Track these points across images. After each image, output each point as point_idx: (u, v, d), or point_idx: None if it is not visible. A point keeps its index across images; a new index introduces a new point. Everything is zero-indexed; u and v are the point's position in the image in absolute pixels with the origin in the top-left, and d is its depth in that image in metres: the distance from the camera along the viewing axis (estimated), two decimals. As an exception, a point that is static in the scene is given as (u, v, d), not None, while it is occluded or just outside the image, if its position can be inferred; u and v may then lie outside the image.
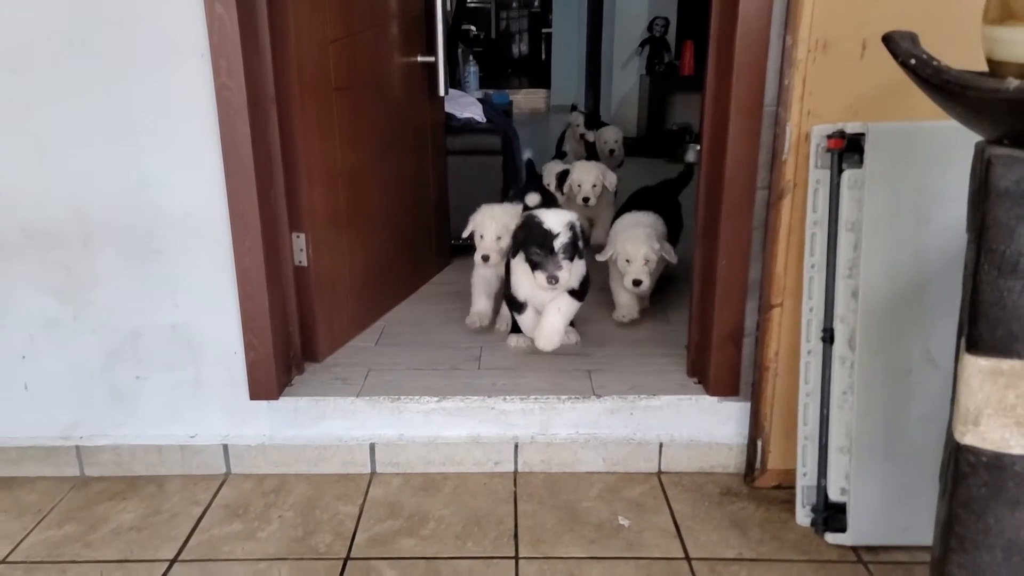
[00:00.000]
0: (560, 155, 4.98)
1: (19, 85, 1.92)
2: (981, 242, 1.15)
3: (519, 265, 2.31)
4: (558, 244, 2.17)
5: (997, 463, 1.18)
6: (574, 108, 5.65)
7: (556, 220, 2.20)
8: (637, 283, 2.59)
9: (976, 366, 1.18)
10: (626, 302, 2.72)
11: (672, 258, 2.68)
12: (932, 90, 1.20)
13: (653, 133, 6.71)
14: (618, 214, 2.97)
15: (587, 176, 3.50)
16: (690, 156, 5.55)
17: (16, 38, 1.89)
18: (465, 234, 2.67)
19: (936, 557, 1.29)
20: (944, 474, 1.27)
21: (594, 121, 5.43)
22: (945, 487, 1.26)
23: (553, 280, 2.18)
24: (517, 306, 2.39)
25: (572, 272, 2.24)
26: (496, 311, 2.71)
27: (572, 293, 2.31)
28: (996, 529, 1.20)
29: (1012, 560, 1.20)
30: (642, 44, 7.05)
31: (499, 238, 2.59)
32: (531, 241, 2.21)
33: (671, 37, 7.06)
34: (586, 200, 3.48)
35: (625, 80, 7.34)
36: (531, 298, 2.35)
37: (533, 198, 2.62)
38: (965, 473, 1.21)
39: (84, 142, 1.96)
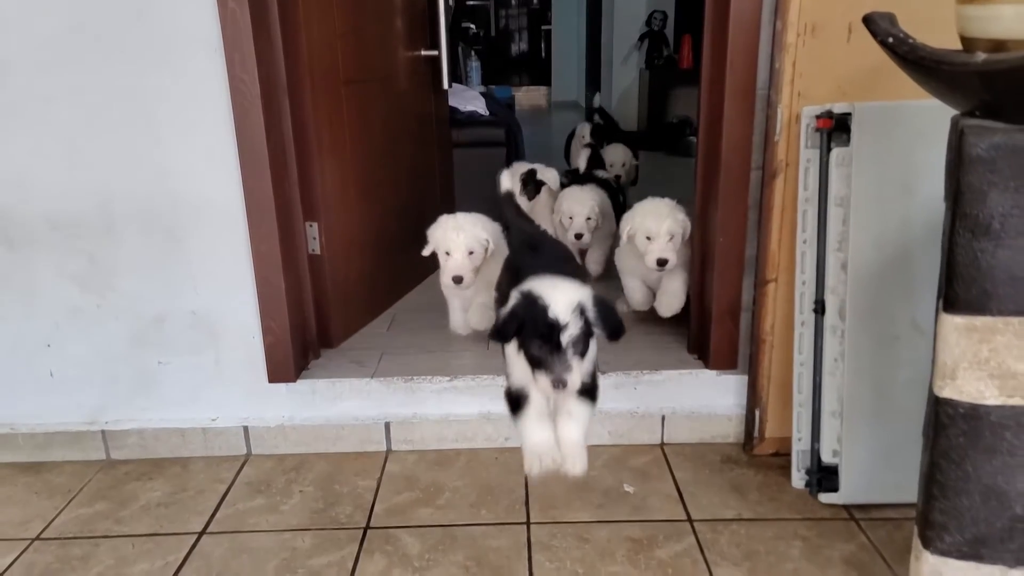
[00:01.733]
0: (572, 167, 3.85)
1: (42, 80, 1.99)
2: (956, 207, 1.23)
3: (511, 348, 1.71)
4: (566, 338, 1.59)
5: (973, 413, 1.26)
6: (595, 93, 5.41)
7: (564, 303, 1.59)
8: (662, 263, 2.26)
9: (952, 324, 1.26)
10: (640, 295, 2.48)
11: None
12: (909, 66, 1.28)
13: (653, 126, 6.80)
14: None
15: (579, 207, 2.79)
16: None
17: (39, 35, 1.96)
18: (426, 252, 2.28)
19: (920, 506, 1.37)
20: (926, 428, 1.35)
21: (606, 131, 4.37)
22: (927, 439, 1.34)
23: (560, 385, 1.61)
24: (515, 404, 1.76)
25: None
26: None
27: (582, 392, 1.70)
28: (974, 476, 1.28)
29: (989, 504, 1.28)
30: (641, 38, 7.12)
31: (471, 252, 2.23)
32: (532, 332, 1.62)
33: (669, 31, 7.14)
34: (579, 236, 2.80)
35: (625, 75, 7.41)
36: (523, 378, 1.73)
37: (506, 181, 2.29)
38: (944, 424, 1.29)
39: (105, 134, 2.03)
